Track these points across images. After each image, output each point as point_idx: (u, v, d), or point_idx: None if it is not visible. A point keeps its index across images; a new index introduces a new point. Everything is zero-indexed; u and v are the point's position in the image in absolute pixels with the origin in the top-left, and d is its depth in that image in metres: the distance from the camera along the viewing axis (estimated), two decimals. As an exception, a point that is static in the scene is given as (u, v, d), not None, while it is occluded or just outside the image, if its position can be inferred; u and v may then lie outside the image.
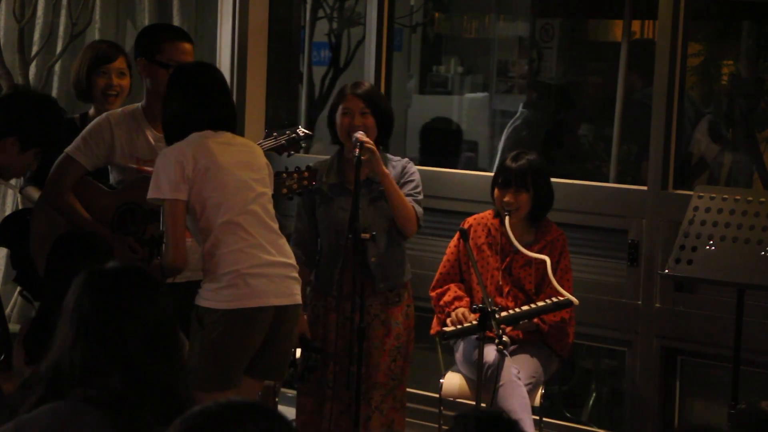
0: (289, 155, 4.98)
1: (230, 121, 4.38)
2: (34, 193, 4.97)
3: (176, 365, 2.48)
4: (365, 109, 4.84)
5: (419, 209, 4.89)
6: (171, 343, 2.49)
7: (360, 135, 4.71)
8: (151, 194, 4.20)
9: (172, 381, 2.44)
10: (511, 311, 4.94)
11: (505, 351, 4.53)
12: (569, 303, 4.93)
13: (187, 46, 4.67)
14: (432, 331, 5.24)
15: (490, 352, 4.62)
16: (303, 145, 5.20)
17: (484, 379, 4.64)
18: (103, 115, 4.69)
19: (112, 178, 4.72)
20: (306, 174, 4.77)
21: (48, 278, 4.00)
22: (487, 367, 4.69)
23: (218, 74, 4.47)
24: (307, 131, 5.08)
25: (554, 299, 4.94)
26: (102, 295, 2.49)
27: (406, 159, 5.03)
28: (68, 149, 4.59)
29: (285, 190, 4.71)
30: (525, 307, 4.96)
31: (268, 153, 5.10)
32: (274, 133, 5.05)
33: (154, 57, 4.62)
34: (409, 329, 4.99)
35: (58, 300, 3.86)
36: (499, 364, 4.60)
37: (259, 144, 5.11)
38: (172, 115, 4.30)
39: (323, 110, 7.31)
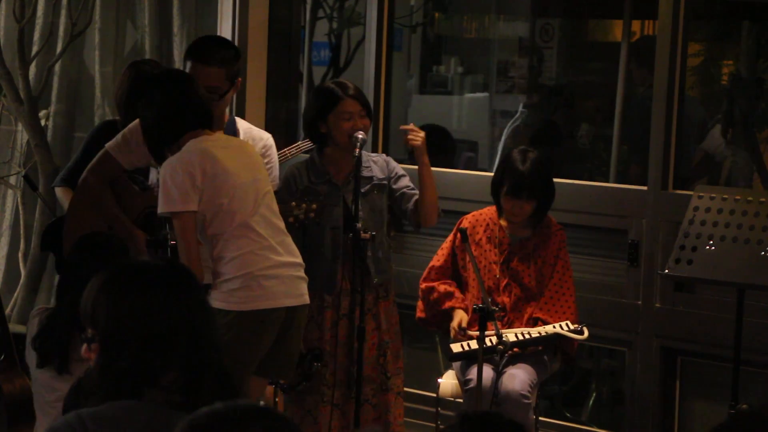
0: None
1: (211, 119, 4.40)
2: (63, 196, 5.03)
3: (221, 350, 2.44)
4: (362, 111, 4.88)
5: None
6: (213, 328, 2.45)
7: (361, 134, 4.79)
8: (163, 207, 4.19)
9: (224, 367, 2.42)
10: (519, 335, 4.89)
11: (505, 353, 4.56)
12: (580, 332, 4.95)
13: (212, 70, 4.54)
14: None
15: (486, 372, 4.67)
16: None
17: (481, 393, 4.65)
18: None
19: (152, 179, 4.76)
20: (314, 207, 4.75)
21: (64, 282, 4.00)
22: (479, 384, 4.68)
23: (190, 77, 4.45)
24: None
25: (566, 327, 4.94)
26: (141, 295, 2.40)
27: (384, 155, 5.10)
28: (108, 145, 4.64)
29: (292, 219, 4.68)
30: (534, 334, 4.91)
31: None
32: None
33: None
34: (397, 324, 5.00)
35: (73, 305, 3.87)
36: (494, 383, 4.68)
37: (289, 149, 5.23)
38: (163, 118, 4.25)
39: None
